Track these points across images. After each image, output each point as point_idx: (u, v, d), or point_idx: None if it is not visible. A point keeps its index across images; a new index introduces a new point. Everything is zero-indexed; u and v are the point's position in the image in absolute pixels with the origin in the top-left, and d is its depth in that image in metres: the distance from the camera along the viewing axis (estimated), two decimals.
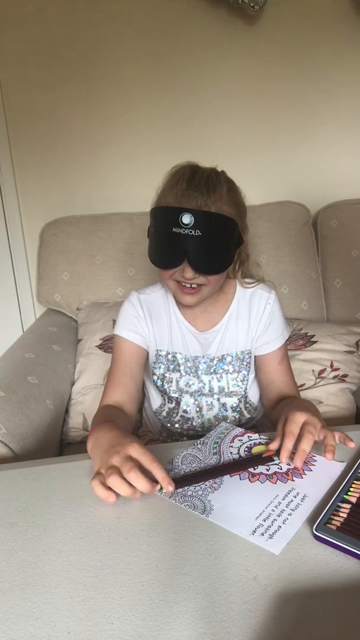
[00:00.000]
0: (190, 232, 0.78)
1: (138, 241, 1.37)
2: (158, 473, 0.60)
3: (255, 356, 0.96)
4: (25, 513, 0.60)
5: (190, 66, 1.46)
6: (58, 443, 1.10)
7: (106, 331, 1.25)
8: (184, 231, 0.78)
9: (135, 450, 0.62)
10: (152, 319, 0.95)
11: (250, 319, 0.94)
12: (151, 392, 1.03)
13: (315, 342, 1.20)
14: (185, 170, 0.84)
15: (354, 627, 0.43)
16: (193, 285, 0.84)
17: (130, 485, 0.59)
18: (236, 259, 0.92)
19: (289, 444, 0.67)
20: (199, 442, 0.75)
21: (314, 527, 0.54)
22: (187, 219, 0.77)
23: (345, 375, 1.16)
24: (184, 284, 0.84)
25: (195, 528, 0.56)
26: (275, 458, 0.69)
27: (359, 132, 1.53)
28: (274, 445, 0.70)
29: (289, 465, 0.68)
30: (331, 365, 1.16)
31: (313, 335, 1.22)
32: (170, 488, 0.60)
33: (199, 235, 0.78)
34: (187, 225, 0.78)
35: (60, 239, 1.39)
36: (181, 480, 0.64)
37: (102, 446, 0.66)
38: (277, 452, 0.69)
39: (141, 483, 0.58)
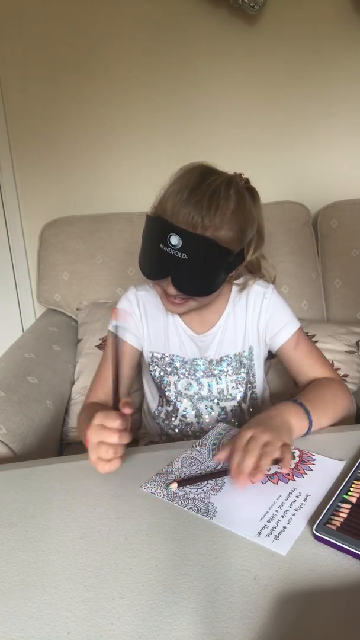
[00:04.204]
0: (177, 253, 0.73)
1: (138, 241, 1.35)
2: (117, 424, 0.62)
3: (276, 352, 0.93)
4: (25, 513, 0.60)
5: (190, 66, 1.46)
6: (58, 443, 1.10)
7: (106, 331, 1.25)
8: (170, 251, 0.73)
9: (97, 419, 0.63)
10: (147, 318, 0.93)
11: (247, 318, 0.92)
12: (148, 394, 1.02)
13: (316, 342, 1.20)
14: (193, 175, 0.77)
15: (354, 627, 0.43)
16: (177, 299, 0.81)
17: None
18: (237, 270, 0.87)
19: (235, 460, 0.63)
20: (197, 443, 0.75)
21: (314, 527, 0.54)
22: (175, 240, 0.73)
23: (345, 375, 1.16)
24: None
25: (196, 528, 0.56)
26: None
27: (359, 132, 1.53)
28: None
29: (289, 465, 0.68)
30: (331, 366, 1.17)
31: (313, 335, 1.22)
32: (127, 409, 0.63)
33: (185, 258, 0.73)
34: (174, 246, 0.73)
35: (60, 239, 1.39)
36: (184, 481, 0.64)
37: None
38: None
39: (111, 435, 0.62)
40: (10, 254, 1.61)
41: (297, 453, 0.71)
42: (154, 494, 0.63)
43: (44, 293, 1.40)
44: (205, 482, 0.65)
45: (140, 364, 1.00)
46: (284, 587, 0.48)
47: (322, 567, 0.50)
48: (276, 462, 0.65)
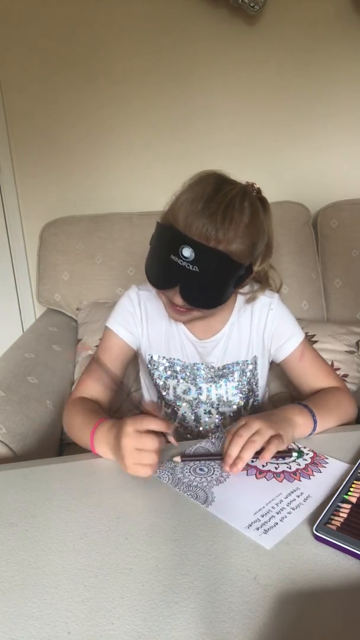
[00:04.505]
0: (188, 266, 0.72)
1: (138, 241, 1.37)
2: (155, 426, 0.62)
3: (279, 364, 0.93)
4: (25, 513, 0.60)
5: (190, 66, 1.46)
6: (58, 443, 1.10)
7: None
8: (181, 262, 0.72)
9: (130, 425, 0.63)
10: (148, 320, 0.91)
11: (253, 328, 0.91)
12: (146, 395, 1.01)
13: (316, 342, 1.20)
14: (208, 185, 0.74)
15: (354, 627, 0.43)
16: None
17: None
18: (244, 282, 0.85)
19: (225, 445, 0.68)
20: (214, 436, 0.76)
21: (314, 527, 0.54)
22: (187, 252, 0.71)
23: (345, 375, 1.16)
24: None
25: (196, 528, 0.56)
26: (294, 453, 0.70)
27: (359, 132, 1.53)
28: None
29: (299, 465, 0.68)
30: (331, 365, 1.16)
31: (313, 335, 1.22)
32: (170, 433, 0.65)
33: (195, 271, 0.72)
34: (186, 258, 0.71)
35: (60, 239, 1.39)
36: (187, 456, 0.68)
37: (113, 444, 0.67)
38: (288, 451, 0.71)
39: (153, 442, 0.62)
40: (10, 254, 1.61)
41: (310, 455, 0.71)
42: (160, 477, 0.65)
43: (44, 293, 1.40)
44: (212, 471, 0.66)
45: (137, 364, 1.00)
46: (284, 587, 0.48)
47: (322, 567, 0.50)
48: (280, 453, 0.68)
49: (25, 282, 1.64)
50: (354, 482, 0.62)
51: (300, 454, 0.71)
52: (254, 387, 0.95)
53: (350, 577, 0.48)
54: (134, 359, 0.98)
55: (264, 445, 0.66)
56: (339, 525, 0.54)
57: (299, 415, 0.75)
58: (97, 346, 1.22)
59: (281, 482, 0.64)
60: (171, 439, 0.66)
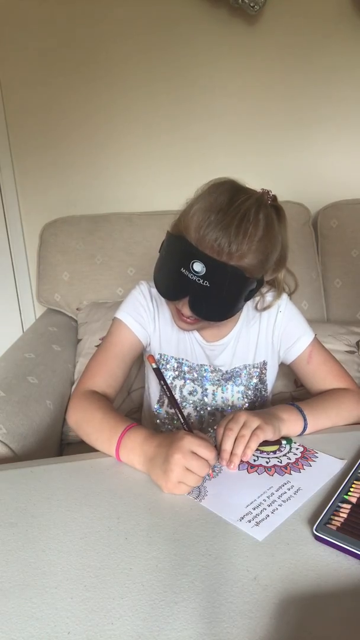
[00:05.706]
0: (199, 280, 0.70)
1: (138, 241, 1.37)
2: (209, 457, 0.61)
3: (289, 365, 0.92)
4: (25, 513, 0.60)
5: (190, 66, 1.46)
6: (58, 443, 1.10)
7: (106, 331, 1.24)
8: (192, 276, 0.71)
9: (189, 444, 0.62)
10: (159, 318, 0.89)
11: (261, 331, 0.90)
12: (149, 393, 1.00)
13: None
14: (221, 194, 0.72)
15: (355, 628, 0.43)
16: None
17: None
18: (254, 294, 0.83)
19: (217, 438, 0.69)
20: (213, 429, 0.77)
21: (314, 527, 0.54)
22: (198, 267, 0.70)
23: None
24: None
25: (195, 528, 0.56)
26: (284, 441, 0.72)
27: (359, 132, 1.54)
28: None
29: (289, 459, 0.69)
30: None
31: None
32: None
33: (206, 285, 0.71)
34: (197, 273, 0.70)
35: (60, 239, 1.39)
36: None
37: (153, 455, 0.64)
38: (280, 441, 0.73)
39: (204, 468, 0.61)
40: (10, 254, 1.61)
41: (300, 449, 0.72)
42: None
43: (44, 293, 1.40)
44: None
45: (138, 362, 0.99)
46: (284, 587, 0.48)
47: (322, 567, 0.50)
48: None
49: (25, 282, 1.64)
50: (354, 482, 0.62)
51: (290, 441, 0.73)
52: (263, 392, 0.94)
53: (351, 577, 0.48)
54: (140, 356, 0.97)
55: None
56: (339, 525, 0.54)
57: (283, 411, 0.75)
58: (97, 346, 1.22)
59: (272, 475, 0.66)
60: (210, 472, 0.65)
